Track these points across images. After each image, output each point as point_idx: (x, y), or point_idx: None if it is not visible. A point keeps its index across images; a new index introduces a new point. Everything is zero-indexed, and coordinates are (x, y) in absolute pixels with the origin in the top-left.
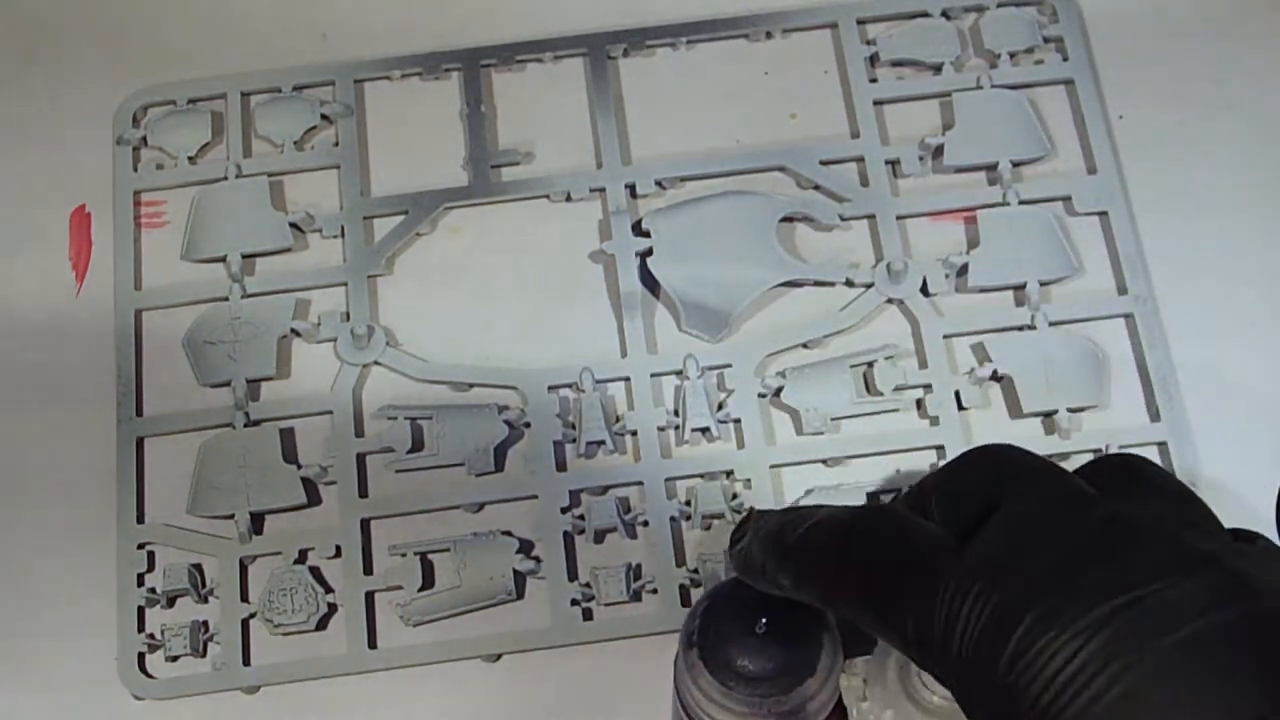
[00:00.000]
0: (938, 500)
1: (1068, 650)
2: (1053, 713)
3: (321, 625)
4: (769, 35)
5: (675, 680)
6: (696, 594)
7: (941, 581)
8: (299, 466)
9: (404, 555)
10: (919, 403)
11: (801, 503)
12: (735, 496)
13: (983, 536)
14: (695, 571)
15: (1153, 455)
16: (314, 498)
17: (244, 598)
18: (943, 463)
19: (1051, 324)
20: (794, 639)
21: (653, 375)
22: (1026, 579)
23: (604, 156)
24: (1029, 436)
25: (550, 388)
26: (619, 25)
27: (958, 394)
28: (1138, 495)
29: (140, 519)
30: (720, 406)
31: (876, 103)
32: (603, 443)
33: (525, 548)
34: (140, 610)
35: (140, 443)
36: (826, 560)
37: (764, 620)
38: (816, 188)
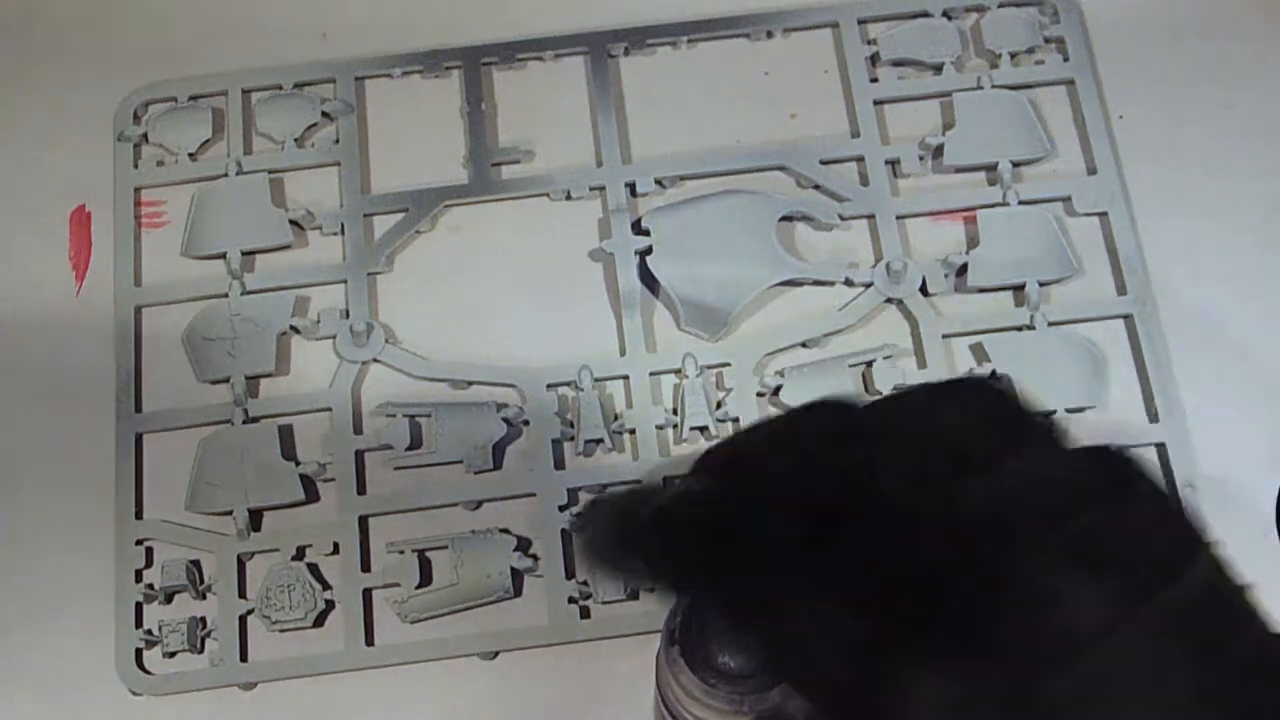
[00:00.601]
0: (785, 482)
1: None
2: None
3: (319, 622)
4: (769, 35)
5: (656, 677)
6: None
7: (792, 600)
8: (297, 463)
9: (402, 552)
10: None
11: None
12: None
13: (840, 550)
14: None
15: (1151, 456)
16: (312, 495)
17: (242, 594)
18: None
19: (1050, 324)
20: None
21: (651, 374)
22: (887, 620)
23: (604, 155)
24: None
25: (549, 386)
26: (620, 24)
27: None
28: (996, 471)
29: (139, 515)
30: (719, 405)
31: (877, 102)
32: (601, 441)
33: (523, 545)
34: (138, 606)
35: (139, 439)
36: (673, 549)
37: None
38: (816, 187)
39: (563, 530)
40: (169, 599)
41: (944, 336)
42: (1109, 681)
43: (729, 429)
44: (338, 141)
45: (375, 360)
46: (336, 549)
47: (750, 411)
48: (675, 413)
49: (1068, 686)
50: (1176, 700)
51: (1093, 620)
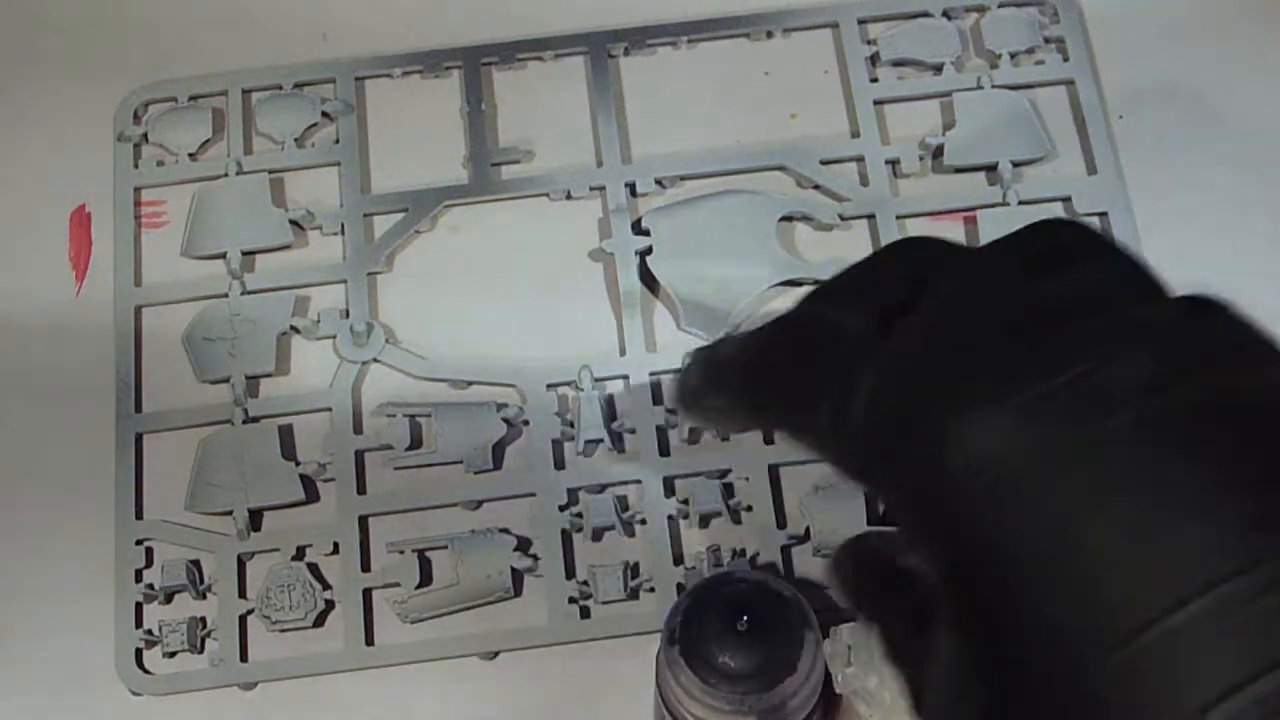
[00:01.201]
0: (856, 292)
1: (986, 442)
2: (975, 495)
3: (319, 622)
4: (769, 35)
5: (657, 677)
6: None
7: (857, 371)
8: (297, 463)
9: (402, 552)
10: None
11: (800, 502)
12: (733, 495)
13: (901, 324)
14: (693, 569)
15: None
16: (312, 495)
17: (242, 594)
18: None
19: None
20: (775, 637)
21: (651, 374)
22: (942, 364)
23: (604, 155)
24: None
25: (549, 386)
26: (620, 24)
27: None
28: (1077, 265)
29: (139, 515)
30: None
31: (877, 103)
32: (601, 441)
33: (523, 545)
34: (138, 606)
35: (139, 439)
36: (752, 369)
37: (745, 618)
38: (816, 187)
39: (562, 530)
40: (169, 599)
41: None
42: (1159, 430)
43: None
44: (338, 141)
45: (375, 360)
46: (336, 549)
47: None
48: (675, 413)
49: (1126, 427)
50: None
51: (1144, 381)
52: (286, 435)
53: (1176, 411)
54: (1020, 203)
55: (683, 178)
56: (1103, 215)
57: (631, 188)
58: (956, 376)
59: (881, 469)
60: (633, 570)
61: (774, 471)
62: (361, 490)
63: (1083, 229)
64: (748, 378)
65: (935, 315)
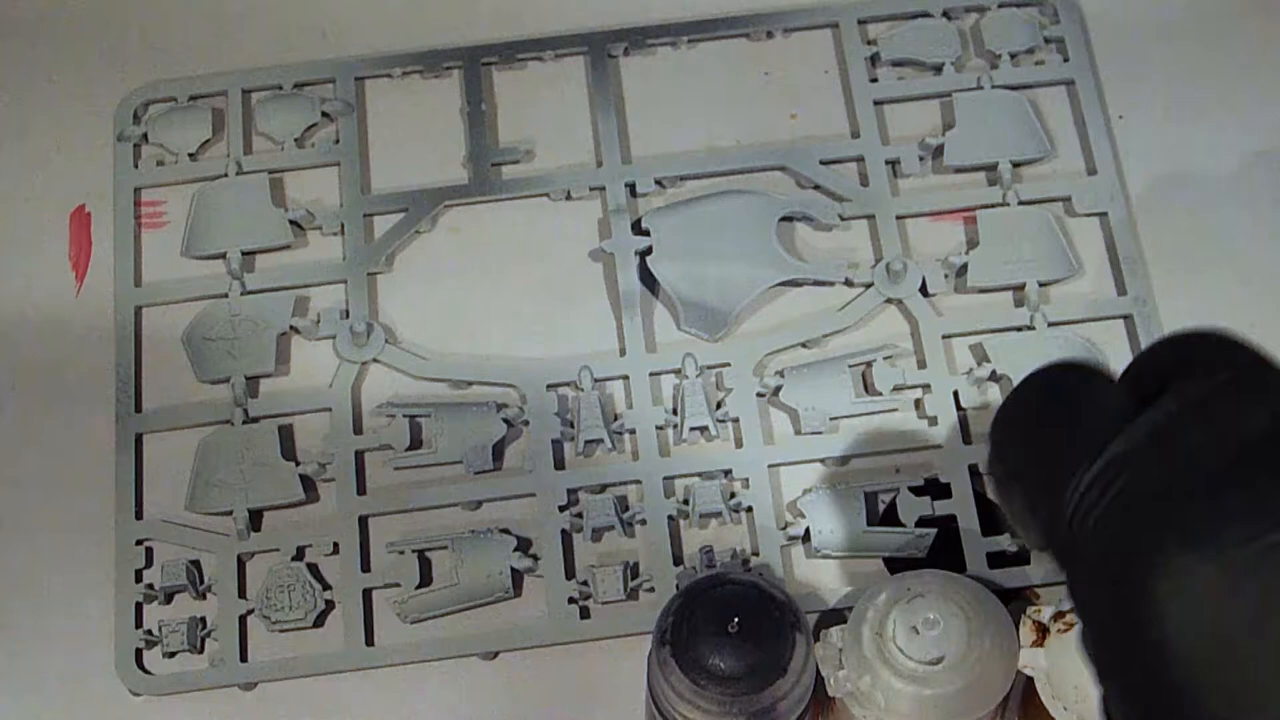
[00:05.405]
0: (1127, 373)
1: (1212, 584)
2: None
3: (319, 622)
4: (769, 35)
5: (648, 677)
6: None
7: (1086, 463)
8: (297, 463)
9: (402, 552)
10: (917, 403)
11: (800, 502)
12: (733, 495)
13: (1139, 421)
14: (693, 570)
15: None
16: (312, 494)
17: (242, 594)
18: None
19: (1050, 325)
20: (766, 639)
21: (651, 374)
22: (1170, 488)
23: (604, 155)
24: None
25: (549, 386)
26: (620, 24)
27: (956, 394)
28: None
29: (139, 515)
30: (719, 405)
31: (877, 103)
32: (601, 441)
33: (523, 545)
34: (138, 606)
35: (139, 439)
36: (1014, 424)
37: (736, 619)
38: (816, 187)
39: (562, 530)
40: (169, 599)
41: (944, 337)
42: None
43: (729, 429)
44: (338, 141)
45: (375, 360)
46: (336, 549)
47: (750, 411)
48: (675, 413)
49: None
50: None
51: None
52: (286, 435)
53: None
54: (1020, 203)
55: (683, 178)
56: (1103, 215)
57: (631, 188)
58: (1174, 519)
59: (1087, 580)
60: (632, 570)
61: (774, 471)
62: (361, 490)
63: None
64: (1007, 434)
65: (1165, 426)
